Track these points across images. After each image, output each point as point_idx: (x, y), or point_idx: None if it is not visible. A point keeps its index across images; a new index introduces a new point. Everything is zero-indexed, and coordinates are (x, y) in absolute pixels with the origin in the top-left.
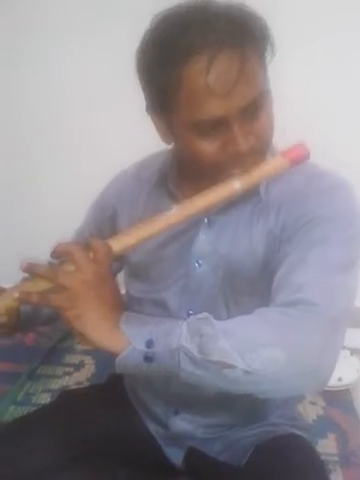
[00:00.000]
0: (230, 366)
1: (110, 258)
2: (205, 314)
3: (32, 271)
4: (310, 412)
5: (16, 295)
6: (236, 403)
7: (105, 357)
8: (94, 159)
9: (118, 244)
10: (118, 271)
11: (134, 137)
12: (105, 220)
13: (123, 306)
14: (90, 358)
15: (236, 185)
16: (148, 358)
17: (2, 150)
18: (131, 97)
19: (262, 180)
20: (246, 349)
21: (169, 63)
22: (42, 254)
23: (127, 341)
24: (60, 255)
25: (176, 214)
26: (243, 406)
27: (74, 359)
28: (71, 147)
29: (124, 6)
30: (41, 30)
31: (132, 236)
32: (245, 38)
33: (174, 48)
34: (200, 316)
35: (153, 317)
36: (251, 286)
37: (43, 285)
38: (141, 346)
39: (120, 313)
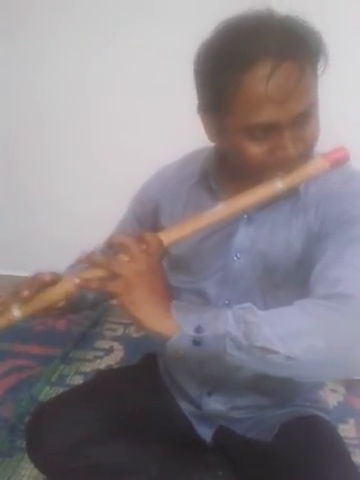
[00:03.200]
0: (273, 352)
1: (161, 250)
2: (249, 304)
3: (90, 260)
4: (331, 399)
5: (77, 281)
6: (266, 386)
7: (132, 343)
8: (107, 148)
9: (167, 238)
10: None
11: (147, 128)
12: (147, 213)
13: (171, 295)
14: (118, 344)
15: (279, 185)
16: (196, 342)
17: (18, 138)
18: (147, 89)
19: (304, 181)
20: (288, 336)
21: (230, 68)
22: (53, 241)
23: (177, 326)
24: (115, 246)
25: (222, 211)
26: (272, 389)
27: (104, 344)
28: (85, 135)
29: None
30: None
31: (180, 231)
32: (304, 51)
33: (236, 54)
34: (244, 305)
35: (198, 305)
36: (287, 279)
37: (99, 273)
38: (190, 331)
39: (169, 301)
